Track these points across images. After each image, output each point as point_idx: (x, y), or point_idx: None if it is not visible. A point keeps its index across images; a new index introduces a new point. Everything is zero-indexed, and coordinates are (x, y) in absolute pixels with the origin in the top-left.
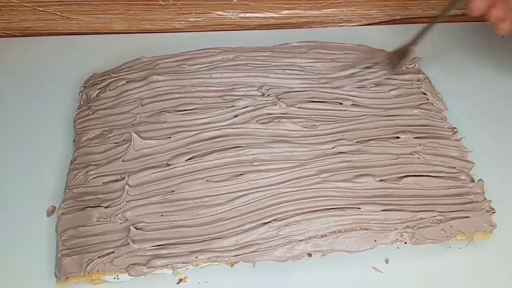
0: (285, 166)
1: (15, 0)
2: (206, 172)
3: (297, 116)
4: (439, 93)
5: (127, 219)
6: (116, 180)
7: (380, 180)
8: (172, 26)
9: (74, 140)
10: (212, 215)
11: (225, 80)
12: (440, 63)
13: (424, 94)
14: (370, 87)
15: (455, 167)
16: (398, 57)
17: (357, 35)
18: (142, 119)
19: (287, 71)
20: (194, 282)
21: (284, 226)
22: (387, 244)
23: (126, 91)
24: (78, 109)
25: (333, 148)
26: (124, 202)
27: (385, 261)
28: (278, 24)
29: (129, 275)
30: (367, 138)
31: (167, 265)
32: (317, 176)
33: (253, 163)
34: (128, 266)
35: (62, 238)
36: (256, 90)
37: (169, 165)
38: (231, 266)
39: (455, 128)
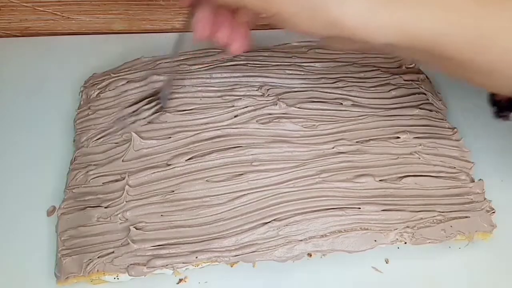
0: (285, 166)
1: (15, 0)
2: (206, 172)
3: (297, 116)
4: (439, 93)
5: (127, 219)
6: (116, 180)
7: (380, 180)
8: (172, 26)
9: (74, 140)
10: (212, 215)
11: (225, 80)
12: None
13: (424, 94)
14: (370, 87)
15: (455, 167)
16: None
17: None
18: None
19: (287, 71)
20: (194, 282)
21: (284, 226)
22: (387, 244)
23: (126, 91)
24: (78, 109)
25: (333, 148)
26: (124, 202)
27: (385, 261)
28: None
29: (129, 275)
30: (367, 138)
31: (167, 265)
32: (317, 176)
33: (253, 163)
34: (128, 266)
35: (62, 238)
36: (256, 90)
37: (169, 165)
38: (231, 266)
39: (455, 128)
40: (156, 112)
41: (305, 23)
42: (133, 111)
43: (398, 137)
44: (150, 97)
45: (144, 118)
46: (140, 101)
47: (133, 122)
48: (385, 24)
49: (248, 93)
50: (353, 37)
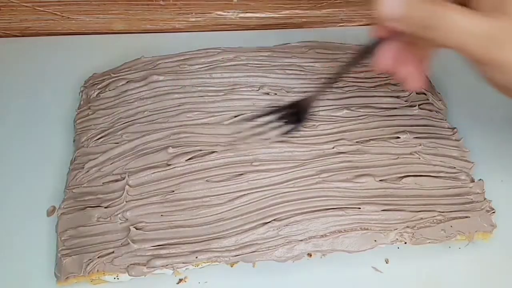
0: (285, 166)
1: (15, 0)
2: (206, 172)
3: None
4: (439, 93)
5: (127, 219)
6: (116, 180)
7: (380, 180)
8: (172, 26)
9: (74, 140)
10: (212, 215)
11: (225, 80)
12: (440, 63)
13: (424, 94)
14: (370, 87)
15: (455, 167)
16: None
17: (358, 35)
18: (142, 119)
19: (287, 71)
20: (194, 282)
21: (284, 226)
22: (387, 244)
23: (126, 91)
24: (78, 109)
25: (333, 148)
26: (124, 202)
27: (385, 261)
28: (278, 24)
29: (129, 275)
30: (367, 138)
31: (167, 265)
32: (317, 176)
33: (253, 163)
34: (128, 266)
35: (62, 238)
36: (256, 90)
37: (169, 165)
38: (231, 266)
39: (455, 128)
40: (290, 130)
41: None
42: (264, 123)
43: (398, 137)
44: (286, 109)
45: (269, 139)
46: (272, 112)
47: (264, 133)
48: None
49: (248, 93)
50: None
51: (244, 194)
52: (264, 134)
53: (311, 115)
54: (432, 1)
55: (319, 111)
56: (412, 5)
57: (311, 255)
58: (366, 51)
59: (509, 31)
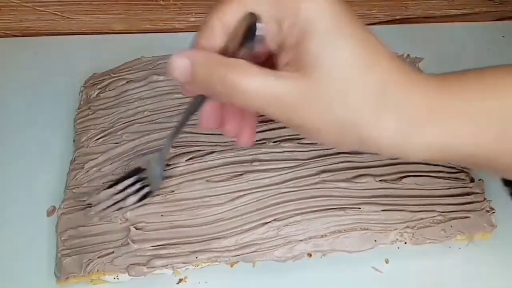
0: (285, 166)
1: (15, 0)
2: (206, 172)
3: None
4: None
5: (127, 219)
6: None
7: (380, 180)
8: (172, 26)
9: (74, 140)
10: (212, 215)
11: None
12: (439, 63)
13: None
14: None
15: (455, 167)
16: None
17: None
18: (142, 119)
19: None
20: (194, 282)
21: (284, 226)
22: (387, 244)
23: (126, 91)
24: (78, 109)
25: (333, 148)
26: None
27: (385, 261)
28: None
29: (129, 275)
30: None
31: (167, 265)
32: (317, 176)
33: (253, 163)
34: (128, 266)
35: (62, 238)
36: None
37: (169, 165)
38: (231, 266)
39: None
40: (143, 198)
41: (331, 138)
42: (115, 193)
43: None
44: (134, 175)
45: (128, 206)
46: (121, 180)
47: (118, 209)
48: (419, 146)
49: None
50: (386, 154)
51: (244, 194)
52: (121, 202)
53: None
54: (221, 62)
55: None
56: (199, 67)
57: (311, 255)
58: (191, 111)
59: (304, 92)
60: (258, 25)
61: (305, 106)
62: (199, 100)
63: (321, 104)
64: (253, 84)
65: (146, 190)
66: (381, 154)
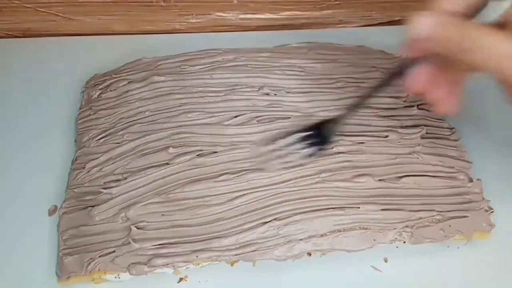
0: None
1: (16, 1)
2: (207, 172)
3: (297, 117)
4: None
5: (128, 219)
6: (117, 180)
7: (379, 180)
8: (172, 27)
9: (75, 140)
10: (212, 215)
11: (226, 80)
12: None
13: None
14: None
15: (453, 167)
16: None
17: (357, 36)
18: (143, 119)
19: (287, 72)
20: (194, 281)
21: (284, 225)
22: (386, 243)
23: (127, 91)
24: (80, 109)
25: (332, 148)
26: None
27: (384, 260)
28: (278, 25)
29: (130, 274)
30: (367, 138)
31: (168, 264)
32: (316, 176)
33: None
34: (129, 265)
35: (64, 238)
36: (256, 90)
37: (170, 164)
38: (232, 265)
39: (453, 128)
40: (311, 155)
41: None
42: (285, 145)
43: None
44: (309, 130)
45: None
46: (293, 133)
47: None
48: None
49: (248, 94)
50: None
51: (244, 194)
52: (286, 157)
53: (334, 138)
54: (468, 23)
55: (319, 111)
56: (447, 25)
57: (310, 254)
58: (396, 72)
59: None
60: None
61: None
62: (410, 64)
63: None
64: (499, 43)
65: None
66: None
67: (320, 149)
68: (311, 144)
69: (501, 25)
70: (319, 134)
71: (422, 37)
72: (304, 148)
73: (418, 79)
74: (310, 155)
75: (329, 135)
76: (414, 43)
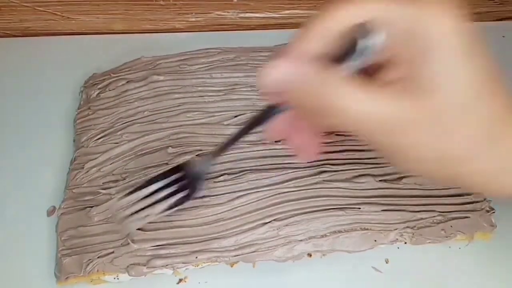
0: (285, 166)
1: (15, 0)
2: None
3: None
4: None
5: None
6: (116, 180)
7: (380, 180)
8: (172, 26)
9: (74, 140)
10: (212, 215)
11: (225, 80)
12: None
13: None
14: None
15: None
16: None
17: None
18: (142, 119)
19: None
20: (194, 282)
21: (284, 226)
22: (387, 244)
23: (126, 91)
24: (78, 109)
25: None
26: None
27: (385, 261)
28: (279, 24)
29: (129, 275)
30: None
31: (167, 265)
32: (317, 176)
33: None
34: (128, 266)
35: (62, 238)
36: (256, 90)
37: (169, 164)
38: (231, 266)
39: None
40: (175, 205)
41: (427, 168)
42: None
43: None
44: (175, 173)
45: (159, 214)
46: (156, 180)
47: (144, 217)
48: None
49: (248, 93)
50: (478, 190)
51: (244, 194)
52: (145, 211)
53: (205, 181)
54: (326, 75)
55: None
56: (301, 78)
57: (311, 255)
58: (260, 117)
59: (418, 116)
60: (370, 36)
61: (416, 132)
62: (271, 111)
63: (433, 131)
64: (359, 106)
65: (179, 195)
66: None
67: (188, 196)
68: (177, 191)
69: (375, 76)
70: (186, 178)
71: (272, 90)
72: (169, 197)
73: (276, 128)
74: (176, 205)
75: (198, 179)
76: (265, 93)
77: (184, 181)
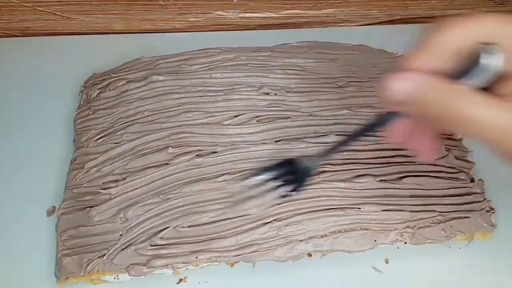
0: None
1: (15, 0)
2: (206, 172)
3: (297, 116)
4: None
5: (127, 219)
6: (116, 180)
7: (380, 180)
8: (172, 26)
9: (74, 140)
10: (212, 215)
11: (225, 80)
12: None
13: None
14: (370, 87)
15: (455, 167)
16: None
17: (358, 35)
18: (142, 119)
19: (287, 71)
20: (194, 282)
21: (284, 226)
22: (387, 244)
23: (126, 91)
24: (78, 109)
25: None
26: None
27: (385, 261)
28: (278, 24)
29: (129, 275)
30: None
31: (167, 265)
32: (317, 176)
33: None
34: (128, 266)
35: (62, 238)
36: (256, 90)
37: (169, 164)
38: (231, 266)
39: None
40: (285, 195)
41: None
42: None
43: None
44: (283, 167)
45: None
46: (267, 170)
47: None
48: None
49: (248, 93)
50: None
51: None
52: (261, 196)
53: (312, 177)
54: (454, 88)
55: (319, 111)
56: (429, 91)
57: (311, 255)
58: (377, 123)
59: None
60: (492, 55)
61: None
62: (389, 117)
63: None
64: (486, 115)
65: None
66: None
67: (296, 189)
68: (287, 183)
69: (491, 86)
70: (295, 171)
71: (398, 102)
72: (279, 186)
73: (396, 131)
74: (285, 196)
75: (306, 173)
76: (389, 106)
77: (291, 175)
